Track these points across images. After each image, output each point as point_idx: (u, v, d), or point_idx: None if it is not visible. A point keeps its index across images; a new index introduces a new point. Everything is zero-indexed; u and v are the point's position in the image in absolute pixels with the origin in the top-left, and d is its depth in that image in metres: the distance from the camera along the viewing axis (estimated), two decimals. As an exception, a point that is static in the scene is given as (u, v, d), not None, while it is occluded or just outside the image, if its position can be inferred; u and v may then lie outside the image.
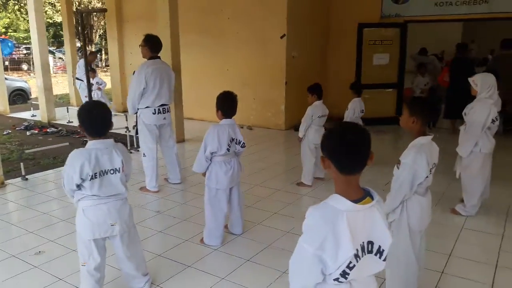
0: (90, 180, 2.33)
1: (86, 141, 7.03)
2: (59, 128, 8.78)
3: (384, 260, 1.42)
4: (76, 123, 9.21)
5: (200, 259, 3.22)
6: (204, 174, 3.42)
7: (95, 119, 2.38)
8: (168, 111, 4.72)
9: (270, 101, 8.54)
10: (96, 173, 2.34)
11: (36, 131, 8.57)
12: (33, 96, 13.62)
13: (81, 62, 9.46)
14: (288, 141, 7.75)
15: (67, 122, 9.17)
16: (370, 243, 1.38)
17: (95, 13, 28.29)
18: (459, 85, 7.70)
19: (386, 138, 7.95)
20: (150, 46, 4.58)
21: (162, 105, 4.61)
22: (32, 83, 15.35)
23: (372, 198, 1.38)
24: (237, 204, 3.54)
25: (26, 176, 5.20)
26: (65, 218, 4.00)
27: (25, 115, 10.33)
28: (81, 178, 2.32)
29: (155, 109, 4.56)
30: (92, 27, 29.74)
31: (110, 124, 2.43)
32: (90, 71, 10.01)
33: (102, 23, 30.62)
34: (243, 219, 3.65)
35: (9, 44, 28.62)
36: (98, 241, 2.47)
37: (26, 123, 9.13)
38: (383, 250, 1.40)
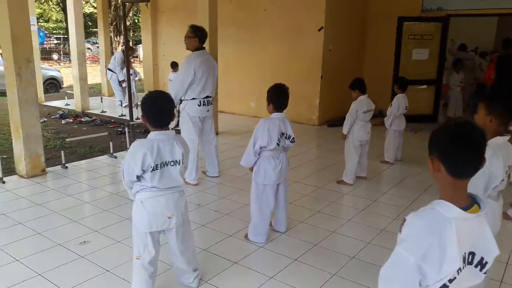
0: (151, 171, 2.28)
1: (121, 132, 7.03)
2: (93, 118, 8.87)
3: (485, 273, 1.29)
4: (111, 113, 9.53)
5: (246, 256, 3.15)
6: (251, 169, 3.34)
7: (159, 109, 2.32)
8: (211, 103, 4.65)
9: (304, 95, 8.38)
10: (157, 164, 2.29)
11: (71, 120, 8.69)
12: (64, 85, 13.90)
13: (117, 54, 9.53)
14: (322, 137, 7.61)
15: (101, 112, 9.25)
16: (472, 253, 1.26)
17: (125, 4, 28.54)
18: (505, 82, 7.41)
19: (424, 136, 7.68)
20: (200, 37, 4.50)
21: (206, 97, 4.55)
22: (64, 72, 15.64)
23: (479, 206, 1.26)
24: (283, 200, 3.45)
25: (66, 165, 5.24)
26: (107, 208, 3.99)
27: (59, 103, 10.48)
28: (142, 170, 2.26)
29: (200, 101, 4.50)
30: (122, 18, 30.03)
31: (173, 115, 2.38)
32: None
33: (130, 14, 31.01)
34: (288, 216, 3.56)
35: (41, 34, 29.31)
36: (154, 234, 2.42)
37: (60, 112, 9.27)
38: (486, 263, 1.27)
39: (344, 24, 8.57)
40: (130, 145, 6.08)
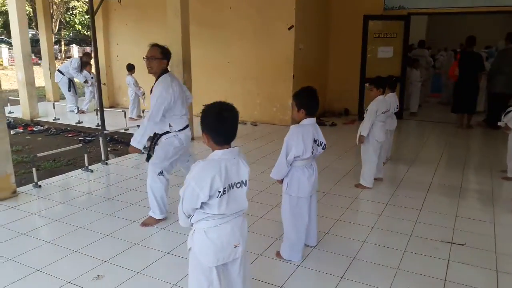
0: (218, 196, 1.94)
1: (84, 141, 6.21)
2: (46, 126, 8.04)
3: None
4: (64, 120, 8.66)
5: (289, 278, 2.88)
6: (280, 181, 3.08)
7: (226, 124, 1.98)
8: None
9: (276, 95, 8.22)
10: (225, 188, 1.95)
11: (21, 130, 7.80)
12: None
13: (75, 59, 9.00)
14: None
15: (54, 120, 8.41)
16: None
17: (53, 1, 26.54)
18: (467, 79, 7.78)
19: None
20: (169, 58, 3.65)
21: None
22: (-3, 75, 14.16)
23: None
24: (314, 212, 3.23)
25: (39, 183, 4.60)
26: (108, 233, 3.51)
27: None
28: (209, 195, 1.92)
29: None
30: (52, 16, 27.95)
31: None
32: (83, 64, 9.35)
33: (62, 10, 28.97)
34: (317, 229, 3.35)
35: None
36: (218, 268, 2.08)
37: (6, 121, 8.27)
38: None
39: (313, 23, 8.53)
40: (105, 157, 5.70)
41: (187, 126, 3.73)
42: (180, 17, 6.28)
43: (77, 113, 8.59)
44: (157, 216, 3.74)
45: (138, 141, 3.53)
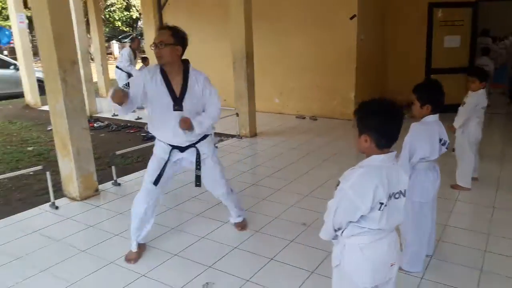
0: (380, 209, 1.70)
1: (146, 137, 5.68)
2: (106, 123, 8.06)
3: None
4: (126, 116, 8.61)
5: (415, 290, 2.63)
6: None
7: (394, 124, 1.73)
8: None
9: (336, 88, 7.90)
10: (387, 199, 1.71)
11: (83, 126, 7.84)
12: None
13: (124, 50, 8.68)
14: (351, 130, 7.12)
15: (112, 115, 8.42)
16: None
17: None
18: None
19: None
20: (184, 45, 2.88)
21: None
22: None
23: None
24: (434, 219, 2.95)
25: (118, 181, 4.53)
26: (203, 235, 3.36)
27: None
28: (370, 207, 1.69)
29: None
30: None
31: None
32: (142, 58, 9.30)
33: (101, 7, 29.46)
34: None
35: (7, 32, 27.45)
36: (373, 291, 1.85)
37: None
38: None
39: (372, 12, 8.12)
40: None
41: None
42: (243, 10, 6.06)
43: (137, 108, 8.57)
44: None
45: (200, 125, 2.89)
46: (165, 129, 2.91)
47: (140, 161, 5.63)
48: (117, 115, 8.44)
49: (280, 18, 8.15)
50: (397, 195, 1.77)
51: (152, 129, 2.99)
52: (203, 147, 3.03)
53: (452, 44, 8.15)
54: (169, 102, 2.83)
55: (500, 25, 11.47)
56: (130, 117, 8.28)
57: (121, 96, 2.59)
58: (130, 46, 8.70)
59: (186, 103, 2.85)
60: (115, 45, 30.81)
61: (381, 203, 1.69)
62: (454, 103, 8.12)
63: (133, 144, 6.11)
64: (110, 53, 28.96)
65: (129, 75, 8.54)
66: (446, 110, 7.75)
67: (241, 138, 6.58)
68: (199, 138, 2.99)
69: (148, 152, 5.78)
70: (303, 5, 7.89)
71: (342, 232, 1.81)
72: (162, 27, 2.87)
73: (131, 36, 7.93)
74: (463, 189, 4.20)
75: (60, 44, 3.72)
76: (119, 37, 32.64)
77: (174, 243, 3.24)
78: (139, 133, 7.33)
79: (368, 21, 7.89)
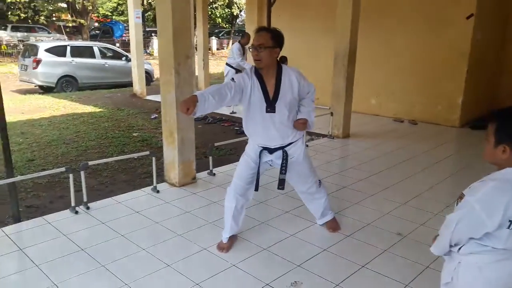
0: (509, 227, 1.53)
1: (239, 131, 5.53)
2: (204, 115, 8.42)
3: None
4: (221, 110, 9.00)
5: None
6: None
7: None
8: None
9: (442, 92, 7.35)
10: None
11: (183, 117, 8.30)
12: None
13: (234, 46, 8.91)
14: (471, 142, 6.53)
15: (209, 108, 8.78)
16: None
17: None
18: None
19: None
20: (282, 46, 2.83)
21: None
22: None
23: None
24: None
25: (213, 171, 4.72)
26: (292, 233, 3.35)
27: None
28: (499, 224, 1.53)
29: None
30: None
31: None
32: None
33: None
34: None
35: (120, 26, 30.23)
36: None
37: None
38: None
39: (494, 10, 7.39)
40: None
41: None
42: (351, 5, 5.90)
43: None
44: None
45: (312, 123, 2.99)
46: (256, 130, 2.93)
47: (233, 154, 5.80)
48: (214, 108, 8.79)
49: (385, 15, 7.80)
50: None
51: (246, 129, 3.03)
52: (292, 149, 3.00)
53: None
54: (263, 104, 2.83)
55: None
56: (225, 111, 8.59)
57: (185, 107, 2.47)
58: (239, 42, 8.96)
59: (279, 105, 2.84)
60: (213, 41, 32.25)
61: (511, 221, 1.52)
62: None
63: (227, 137, 6.32)
64: (209, 49, 30.43)
65: (237, 71, 8.78)
66: None
67: (333, 138, 6.44)
68: (289, 142, 2.97)
69: (241, 146, 5.99)
70: (412, 2, 7.46)
71: (460, 248, 1.65)
72: (260, 28, 2.85)
73: (242, 32, 8.00)
74: None
75: (178, 38, 3.97)
76: (218, 33, 34.07)
77: (264, 238, 3.27)
78: (232, 126, 7.55)
79: (486, 21, 7.21)
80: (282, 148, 2.96)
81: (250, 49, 2.80)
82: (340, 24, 6.09)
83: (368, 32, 7.84)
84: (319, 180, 3.27)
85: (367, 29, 7.88)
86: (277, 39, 2.78)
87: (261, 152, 2.96)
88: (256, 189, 3.03)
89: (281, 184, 3.01)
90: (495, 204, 1.52)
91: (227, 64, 8.86)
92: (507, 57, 8.09)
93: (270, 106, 2.83)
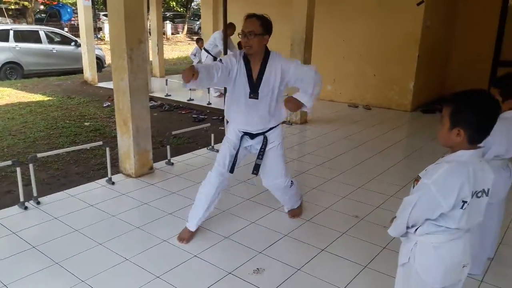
0: (462, 208, 1.59)
1: (197, 119, 5.63)
2: (160, 102, 8.22)
3: None
4: (175, 96, 8.79)
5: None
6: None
7: (493, 119, 1.59)
8: None
9: (395, 77, 7.57)
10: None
11: (138, 104, 8.05)
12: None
13: (217, 34, 8.65)
14: (423, 125, 6.81)
15: (166, 96, 8.59)
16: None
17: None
18: None
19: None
20: (270, 33, 2.88)
21: None
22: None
23: None
24: (501, 220, 2.75)
25: (171, 160, 4.62)
26: (253, 220, 3.35)
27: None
28: (453, 205, 1.58)
29: None
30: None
31: None
32: (196, 39, 9.37)
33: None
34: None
35: (68, 10, 28.70)
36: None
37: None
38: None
39: (441, -3, 7.66)
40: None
41: None
42: (307, -9, 5.90)
43: (189, 89, 8.65)
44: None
45: (310, 97, 2.92)
46: (238, 115, 2.93)
47: (191, 142, 5.70)
48: (170, 95, 8.60)
49: (342, 1, 7.87)
50: (479, 194, 1.65)
51: (227, 113, 3.02)
52: (272, 135, 3.02)
53: (525, 34, 7.53)
54: (246, 89, 2.84)
55: None
56: (182, 98, 8.42)
57: (191, 72, 2.47)
58: (223, 31, 8.74)
59: (261, 91, 2.84)
60: (168, 25, 31.41)
61: (464, 202, 1.59)
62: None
63: (185, 125, 6.20)
64: (163, 34, 29.55)
65: (215, 59, 8.56)
66: None
67: (291, 124, 6.49)
68: (270, 127, 2.98)
69: (200, 134, 5.92)
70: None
71: (416, 229, 1.71)
72: (250, 15, 2.81)
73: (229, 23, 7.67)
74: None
75: (130, 22, 3.81)
76: (173, 17, 33.20)
77: (226, 226, 3.25)
78: (190, 114, 7.42)
79: (437, 8, 7.47)
80: (263, 133, 2.97)
81: (239, 36, 2.78)
82: (297, 10, 6.09)
83: (323, 18, 7.89)
84: (292, 181, 3.27)
85: (323, 15, 7.94)
86: (266, 26, 2.80)
87: (242, 137, 2.98)
88: (232, 171, 3.03)
89: (256, 169, 3.05)
90: (450, 185, 1.57)
91: (205, 49, 8.64)
92: (454, 44, 8.44)
93: (253, 92, 2.83)
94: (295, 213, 3.45)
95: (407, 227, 1.74)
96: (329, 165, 4.69)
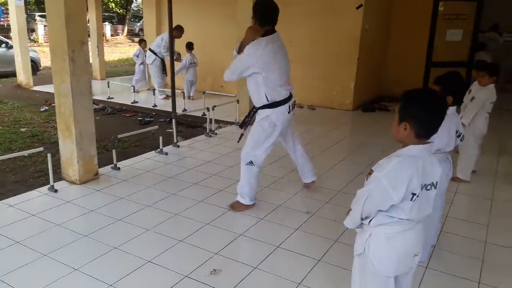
0: (412, 200, 1.68)
1: (143, 122, 5.76)
2: (102, 105, 7.91)
3: None
4: (118, 99, 8.43)
5: (421, 283, 2.63)
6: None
7: (438, 115, 1.70)
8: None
9: (337, 78, 7.85)
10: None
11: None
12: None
13: (166, 35, 8.35)
14: (365, 123, 7.11)
15: (107, 98, 8.28)
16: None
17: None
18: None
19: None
20: (258, 17, 3.25)
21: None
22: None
23: None
24: (443, 209, 2.94)
25: (118, 165, 4.45)
26: (207, 221, 3.32)
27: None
28: (403, 197, 1.66)
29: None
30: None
31: None
32: (139, 40, 9.12)
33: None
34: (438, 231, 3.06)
35: (-3, 9, 26.79)
36: (394, 279, 1.83)
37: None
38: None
39: (377, 1, 8.05)
40: (176, 140, 5.51)
41: (284, 102, 3.36)
42: (251, -7, 5.94)
43: (133, 92, 8.40)
44: (246, 202, 3.56)
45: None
46: None
47: (138, 145, 5.54)
48: (112, 98, 8.30)
49: (286, 3, 7.98)
50: (428, 187, 1.75)
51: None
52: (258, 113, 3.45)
53: (454, 38, 8.15)
54: None
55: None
56: (125, 100, 8.18)
57: None
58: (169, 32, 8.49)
59: None
60: (107, 27, 30.33)
61: (414, 194, 1.67)
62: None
63: (130, 128, 6.02)
64: (103, 35, 28.43)
65: (162, 61, 8.31)
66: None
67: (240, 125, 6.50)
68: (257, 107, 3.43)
69: (147, 137, 5.76)
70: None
71: (370, 221, 1.78)
72: None
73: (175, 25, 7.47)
74: (463, 182, 4.21)
75: (71, 22, 3.63)
76: (112, 18, 32.12)
77: (179, 229, 3.19)
78: (135, 117, 7.21)
79: (374, 11, 7.84)
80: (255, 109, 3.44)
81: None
82: (242, 12, 6.12)
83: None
84: (248, 162, 3.50)
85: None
86: (254, 9, 3.31)
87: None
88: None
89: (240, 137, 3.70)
90: (400, 178, 1.65)
91: (150, 50, 8.34)
92: (390, 47, 8.92)
93: None
94: (232, 204, 3.59)
95: (362, 219, 1.81)
96: (279, 164, 4.75)
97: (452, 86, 2.65)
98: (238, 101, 6.49)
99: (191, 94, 8.52)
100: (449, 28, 8.07)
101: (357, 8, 7.30)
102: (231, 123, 6.56)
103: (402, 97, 1.77)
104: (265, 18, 3.28)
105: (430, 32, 8.08)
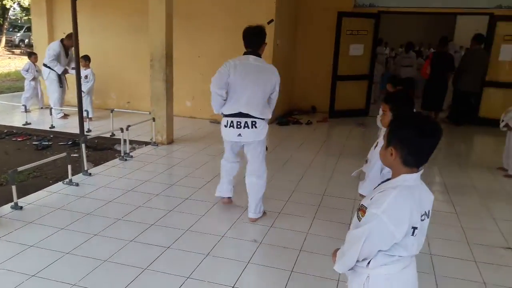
0: (413, 234, 1.52)
1: (40, 146, 4.65)
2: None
3: None
4: (5, 121, 7.14)
5: None
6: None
7: (430, 143, 1.53)
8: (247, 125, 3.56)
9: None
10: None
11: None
12: None
13: (55, 45, 7.32)
14: (280, 135, 7.09)
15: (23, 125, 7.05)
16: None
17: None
18: (438, 78, 8.03)
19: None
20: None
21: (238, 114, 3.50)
22: None
23: None
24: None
25: (19, 204, 3.68)
26: (145, 266, 2.84)
27: None
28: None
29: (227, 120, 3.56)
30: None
31: None
32: (28, 53, 8.04)
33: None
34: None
35: None
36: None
37: None
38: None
39: (287, 17, 8.18)
40: (86, 167, 4.75)
41: (231, 116, 3.53)
42: (164, 4, 5.54)
43: (24, 111, 7.28)
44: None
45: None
46: None
47: (38, 176, 4.73)
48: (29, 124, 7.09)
49: (195, 16, 7.72)
50: (423, 217, 1.60)
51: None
52: None
53: (356, 52, 8.62)
54: None
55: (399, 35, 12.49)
56: (14, 122, 7.10)
57: None
58: (61, 41, 7.39)
59: None
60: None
61: (414, 228, 1.52)
62: (356, 108, 8.81)
63: (25, 155, 5.17)
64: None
65: (59, 76, 7.26)
66: (349, 114, 8.50)
67: (157, 145, 6.00)
68: None
69: (49, 166, 4.92)
70: (220, 5, 7.59)
71: (369, 262, 1.57)
72: None
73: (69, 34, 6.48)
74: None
75: None
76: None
77: (102, 249, 2.96)
78: (29, 141, 6.24)
79: (284, 27, 7.92)
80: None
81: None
82: (154, 24, 5.67)
83: (179, 34, 7.63)
84: None
85: (180, 31, 7.67)
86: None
87: None
88: None
89: None
90: (401, 213, 1.49)
91: (45, 65, 7.30)
92: (298, 62, 9.13)
93: None
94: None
95: (357, 261, 1.60)
96: (210, 187, 4.40)
97: (403, 105, 2.61)
98: (154, 119, 5.98)
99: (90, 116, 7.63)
100: (351, 43, 8.51)
101: (268, 23, 7.28)
102: (147, 143, 6.02)
103: (391, 121, 1.65)
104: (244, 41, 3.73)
105: (335, 47, 8.43)
